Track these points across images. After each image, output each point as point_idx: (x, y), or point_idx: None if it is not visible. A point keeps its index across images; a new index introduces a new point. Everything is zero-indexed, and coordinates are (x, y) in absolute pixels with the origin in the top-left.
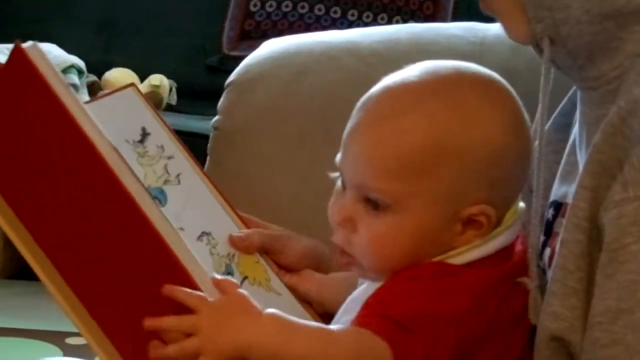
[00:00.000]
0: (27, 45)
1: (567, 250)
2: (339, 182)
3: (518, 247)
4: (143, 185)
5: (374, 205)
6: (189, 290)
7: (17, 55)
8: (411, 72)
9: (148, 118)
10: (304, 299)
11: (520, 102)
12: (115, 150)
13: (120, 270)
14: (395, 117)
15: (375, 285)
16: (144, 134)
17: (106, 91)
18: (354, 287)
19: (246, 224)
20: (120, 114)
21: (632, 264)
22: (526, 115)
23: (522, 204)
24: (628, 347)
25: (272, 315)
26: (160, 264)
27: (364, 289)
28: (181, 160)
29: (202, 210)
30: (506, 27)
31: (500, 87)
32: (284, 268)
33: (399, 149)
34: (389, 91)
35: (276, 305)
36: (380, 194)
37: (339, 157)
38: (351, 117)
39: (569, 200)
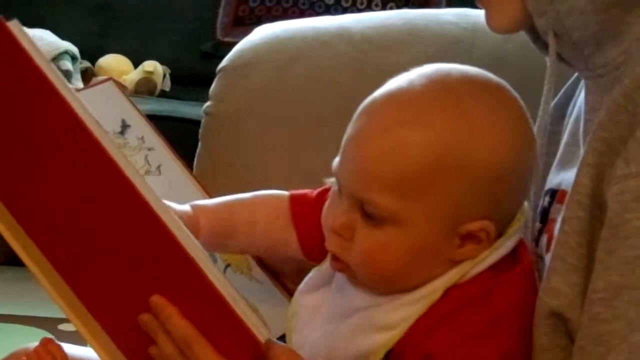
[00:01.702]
0: (10, 22)
1: (569, 227)
2: (334, 186)
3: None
4: (128, 160)
5: (370, 216)
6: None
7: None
8: (418, 78)
9: (128, 110)
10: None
11: (528, 113)
12: (98, 124)
13: (113, 251)
14: (399, 128)
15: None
16: (124, 126)
17: (90, 84)
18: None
19: None
20: (99, 106)
21: (634, 240)
22: (533, 127)
23: (526, 204)
24: (630, 322)
25: None
26: (159, 243)
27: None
28: (161, 151)
29: (184, 199)
30: (493, 17)
31: (510, 99)
32: None
33: (400, 163)
34: (393, 98)
35: (257, 293)
36: (377, 208)
37: (336, 161)
38: (352, 121)
39: (564, 186)
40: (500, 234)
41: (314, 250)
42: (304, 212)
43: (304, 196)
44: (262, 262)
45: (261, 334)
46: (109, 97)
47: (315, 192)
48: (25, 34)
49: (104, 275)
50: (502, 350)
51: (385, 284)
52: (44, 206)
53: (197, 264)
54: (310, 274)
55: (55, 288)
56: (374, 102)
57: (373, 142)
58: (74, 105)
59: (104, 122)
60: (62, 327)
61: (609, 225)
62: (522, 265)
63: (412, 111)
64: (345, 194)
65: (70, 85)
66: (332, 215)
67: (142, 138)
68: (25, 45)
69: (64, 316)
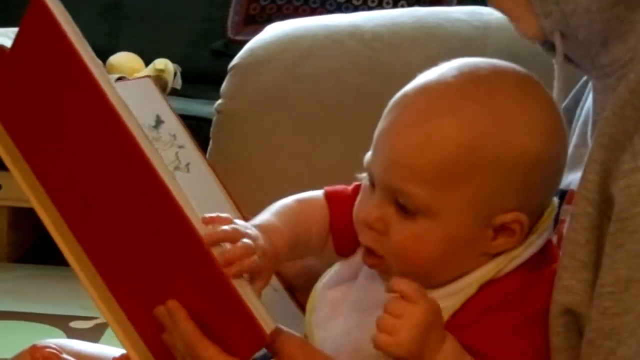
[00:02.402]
0: None
1: (577, 224)
2: (366, 181)
3: None
4: (150, 140)
5: (404, 209)
6: None
7: (36, 4)
8: (448, 70)
9: (163, 108)
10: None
11: (557, 104)
12: (127, 106)
13: (136, 238)
14: (431, 120)
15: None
16: (158, 121)
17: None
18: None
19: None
20: (136, 99)
21: None
22: (563, 118)
23: (555, 199)
24: (639, 315)
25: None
26: (179, 234)
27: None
28: (191, 151)
29: (209, 200)
30: (516, 25)
31: (539, 89)
32: None
33: (434, 154)
34: (425, 91)
35: (271, 300)
36: (411, 199)
37: (368, 155)
38: (384, 115)
39: (573, 187)
40: (531, 228)
41: (345, 245)
42: (340, 207)
43: (339, 193)
44: (277, 271)
45: (267, 325)
46: (146, 92)
47: (351, 187)
48: (63, 11)
49: (128, 263)
50: (538, 344)
51: (420, 276)
52: (74, 188)
53: (212, 254)
54: (336, 268)
55: (86, 276)
56: (405, 96)
57: (406, 134)
58: (102, 81)
59: (139, 115)
60: (74, 324)
61: (617, 219)
62: (554, 262)
63: (444, 103)
64: (379, 187)
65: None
66: (365, 209)
67: (174, 135)
68: (63, 24)
69: (75, 314)
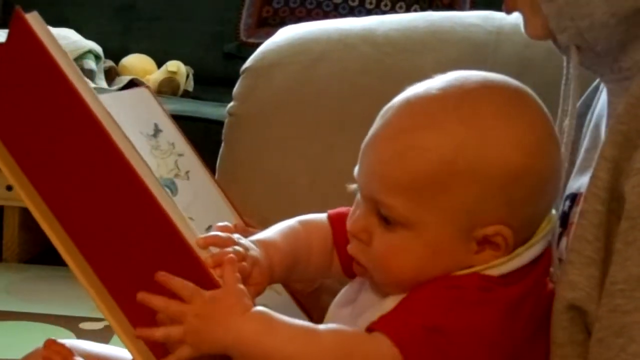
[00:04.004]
0: (28, 14)
1: (586, 220)
2: (359, 194)
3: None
4: (137, 151)
5: (386, 220)
6: (184, 282)
7: (17, 22)
8: (436, 83)
9: (161, 117)
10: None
11: (551, 120)
12: (111, 117)
13: (127, 242)
14: (412, 132)
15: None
16: (157, 130)
17: (123, 82)
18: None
19: (248, 226)
20: (135, 108)
21: None
22: (556, 134)
23: (553, 212)
24: None
25: (259, 312)
26: (168, 243)
27: (358, 300)
28: (190, 158)
29: (209, 207)
30: (526, 26)
31: (529, 104)
32: None
33: (413, 166)
34: (409, 103)
35: (274, 303)
36: (390, 211)
37: (357, 166)
38: (372, 126)
39: (584, 189)
40: (524, 241)
41: (351, 265)
42: (343, 229)
43: (342, 214)
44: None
45: None
46: (144, 101)
47: (352, 208)
48: (44, 26)
49: (124, 270)
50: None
51: (400, 288)
52: (67, 193)
53: (203, 261)
54: (346, 287)
55: (86, 278)
56: (390, 107)
57: (385, 145)
58: (87, 98)
59: (137, 124)
60: (84, 325)
61: (628, 217)
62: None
63: (425, 115)
64: (363, 197)
65: (93, 84)
66: (352, 219)
67: (172, 144)
68: (43, 37)
69: (85, 315)
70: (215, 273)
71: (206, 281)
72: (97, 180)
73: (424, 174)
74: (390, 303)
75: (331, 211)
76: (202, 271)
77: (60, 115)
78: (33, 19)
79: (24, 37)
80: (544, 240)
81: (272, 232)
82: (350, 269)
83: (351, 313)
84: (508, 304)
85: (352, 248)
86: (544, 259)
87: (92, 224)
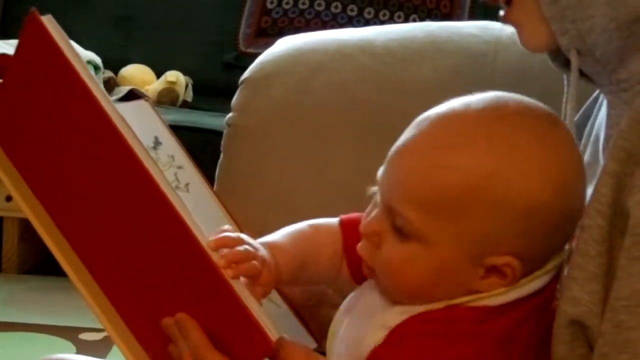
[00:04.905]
0: (44, 16)
1: (588, 236)
2: (378, 195)
3: None
4: (151, 157)
5: (399, 229)
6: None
7: (32, 23)
8: (475, 102)
9: (160, 129)
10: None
11: (580, 155)
12: (126, 122)
13: (140, 251)
14: (443, 150)
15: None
16: (157, 142)
17: (122, 92)
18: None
19: None
20: (134, 121)
21: None
22: (584, 170)
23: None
24: None
25: None
26: (181, 246)
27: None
28: (190, 171)
29: (209, 220)
30: (524, 37)
31: (562, 137)
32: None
33: (437, 184)
34: (445, 118)
35: (274, 315)
36: (406, 223)
37: (381, 169)
38: (404, 132)
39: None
40: (531, 272)
41: (360, 272)
42: (355, 236)
43: (354, 220)
44: (278, 288)
45: (272, 334)
46: (144, 114)
47: (369, 208)
48: (59, 28)
49: (130, 277)
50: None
51: (402, 296)
52: (75, 206)
53: (216, 263)
54: (352, 294)
55: (87, 289)
56: (426, 119)
57: (415, 157)
58: (101, 99)
59: (138, 135)
60: (83, 336)
61: (632, 233)
62: (515, 316)
63: (458, 135)
64: (382, 202)
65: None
66: (366, 220)
67: (172, 156)
68: (59, 40)
69: (85, 325)
70: (227, 273)
71: (218, 284)
72: (110, 184)
73: (448, 194)
74: (390, 319)
75: (343, 216)
76: (216, 274)
77: (74, 118)
78: (48, 21)
79: (39, 40)
80: (549, 275)
81: (279, 234)
82: (358, 276)
83: (352, 315)
84: (503, 334)
85: (361, 247)
86: (547, 290)
87: (98, 232)
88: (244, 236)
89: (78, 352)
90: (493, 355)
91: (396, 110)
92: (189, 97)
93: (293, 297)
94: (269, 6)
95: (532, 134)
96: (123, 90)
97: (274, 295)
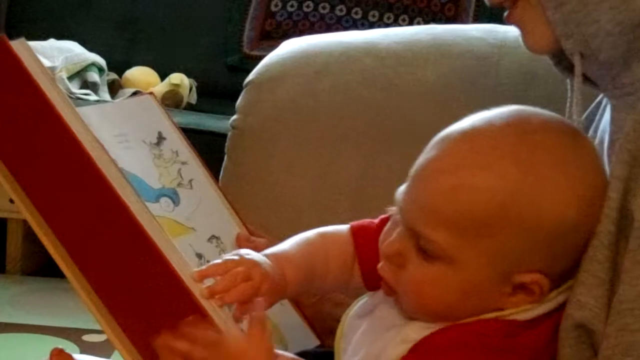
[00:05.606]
0: (14, 41)
1: (598, 241)
2: (396, 213)
3: None
4: (128, 180)
5: (423, 251)
6: (206, 332)
7: (1, 48)
8: (497, 119)
9: (165, 124)
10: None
11: (603, 170)
12: (99, 143)
13: (118, 262)
14: (467, 169)
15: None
16: (160, 138)
17: (126, 94)
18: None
19: (253, 234)
20: (138, 116)
21: None
22: (605, 181)
23: None
24: None
25: None
26: (154, 266)
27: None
28: (194, 167)
29: (212, 216)
30: (527, 38)
31: (586, 153)
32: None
33: (463, 204)
34: (467, 136)
35: (278, 312)
36: (431, 245)
37: (401, 189)
38: (425, 150)
39: None
40: (557, 286)
41: (373, 280)
42: (367, 243)
43: (366, 227)
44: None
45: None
46: (148, 109)
47: (377, 221)
48: (31, 53)
49: (115, 285)
50: None
51: (427, 315)
52: (60, 218)
53: (191, 291)
54: (365, 299)
55: (88, 295)
56: (448, 137)
57: (439, 178)
58: (72, 124)
59: (141, 132)
60: (87, 337)
61: (637, 236)
62: (544, 332)
63: (483, 154)
64: (404, 223)
65: (96, 97)
66: (387, 240)
67: (176, 152)
68: (28, 64)
69: (89, 327)
70: (213, 303)
71: (195, 312)
72: (83, 203)
73: (474, 214)
74: (412, 333)
75: (354, 223)
76: (191, 302)
77: (45, 139)
78: (20, 45)
79: (8, 65)
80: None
81: (287, 244)
82: (372, 283)
83: (368, 325)
84: (534, 350)
85: (382, 269)
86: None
87: (83, 245)
88: (244, 251)
89: (82, 354)
90: None
91: (400, 112)
92: (193, 99)
93: (302, 300)
94: (273, 9)
95: (557, 151)
96: (127, 92)
97: None
